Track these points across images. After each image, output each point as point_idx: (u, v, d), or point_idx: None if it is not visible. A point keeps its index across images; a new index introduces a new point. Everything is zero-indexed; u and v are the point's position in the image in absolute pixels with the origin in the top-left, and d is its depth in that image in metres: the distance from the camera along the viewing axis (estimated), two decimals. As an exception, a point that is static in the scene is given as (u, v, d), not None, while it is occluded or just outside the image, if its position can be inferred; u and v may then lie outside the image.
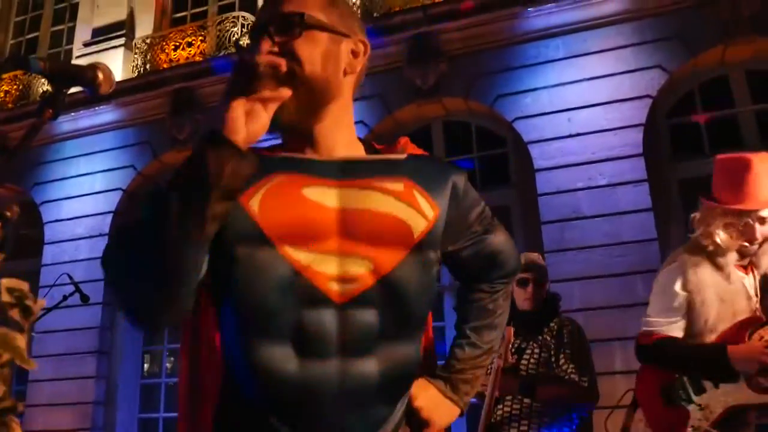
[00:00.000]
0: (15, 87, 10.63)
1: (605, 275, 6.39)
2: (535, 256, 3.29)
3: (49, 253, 9.07)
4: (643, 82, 6.86)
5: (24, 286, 0.65)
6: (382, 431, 1.10)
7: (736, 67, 6.92)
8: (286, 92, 1.03)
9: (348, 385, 1.04)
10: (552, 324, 3.07)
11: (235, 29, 9.10)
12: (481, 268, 1.34)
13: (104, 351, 8.50)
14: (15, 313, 0.64)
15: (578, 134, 6.91)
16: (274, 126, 1.06)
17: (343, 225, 1.07)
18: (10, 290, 0.64)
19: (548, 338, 3.03)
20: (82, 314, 8.01)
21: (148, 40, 9.76)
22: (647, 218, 6.47)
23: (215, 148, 0.94)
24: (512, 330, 3.02)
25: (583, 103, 6.99)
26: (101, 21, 10.37)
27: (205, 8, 10.01)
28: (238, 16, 9.18)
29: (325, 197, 1.07)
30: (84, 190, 9.26)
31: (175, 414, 8.36)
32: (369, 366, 1.06)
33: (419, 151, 1.34)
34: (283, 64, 1.03)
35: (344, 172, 1.11)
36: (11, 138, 9.81)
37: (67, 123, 9.55)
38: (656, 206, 6.53)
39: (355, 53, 1.19)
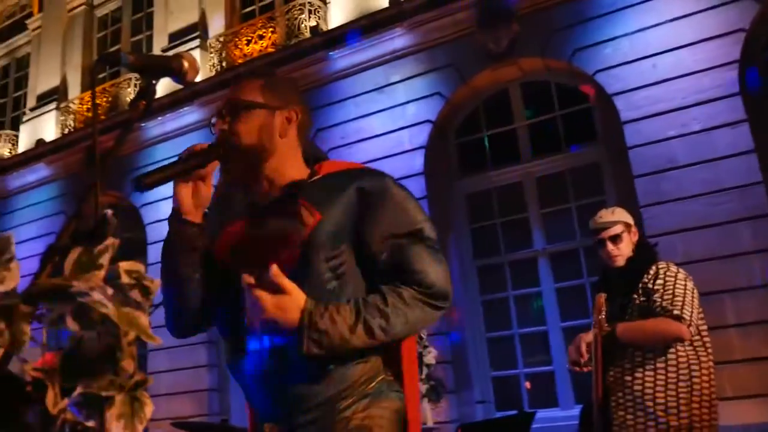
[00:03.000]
0: (105, 99, 11.17)
1: (706, 225, 6.10)
2: (618, 209, 3.18)
3: (153, 253, 9.52)
4: (732, 16, 6.44)
5: (140, 267, 0.68)
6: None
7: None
8: (212, 166, 1.44)
9: None
10: (651, 270, 2.97)
11: (303, 15, 9.18)
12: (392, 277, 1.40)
13: (213, 341, 8.87)
14: (135, 294, 0.67)
15: (665, 80, 6.58)
16: (229, 184, 1.53)
17: None
18: (129, 272, 0.67)
19: (649, 285, 2.93)
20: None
21: (221, 39, 10.00)
22: (750, 161, 6.10)
23: (174, 223, 1.46)
24: (603, 297, 2.97)
25: (667, 47, 6.64)
26: (175, 26, 10.71)
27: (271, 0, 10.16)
28: (305, 3, 9.25)
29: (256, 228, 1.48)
30: (178, 190, 9.64)
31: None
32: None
33: (340, 167, 1.56)
34: (197, 148, 1.42)
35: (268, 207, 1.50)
36: (106, 148, 10.33)
37: (155, 128, 9.97)
38: (759, 146, 6.15)
39: (289, 119, 1.53)
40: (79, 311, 0.64)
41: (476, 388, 7.27)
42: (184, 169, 1.39)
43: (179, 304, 1.49)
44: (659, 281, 2.91)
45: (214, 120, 1.52)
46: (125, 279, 0.67)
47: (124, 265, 0.68)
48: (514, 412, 6.07)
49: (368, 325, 1.31)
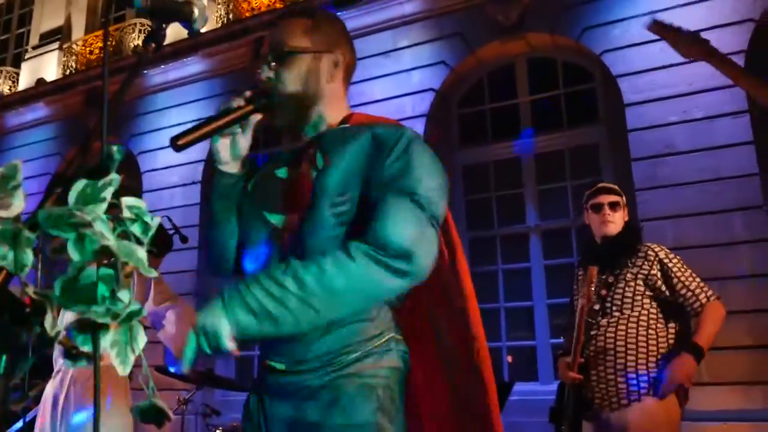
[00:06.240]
0: (109, 43, 11.03)
1: (700, 213, 6.14)
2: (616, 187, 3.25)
3: (147, 201, 9.37)
4: (745, 4, 6.40)
5: (142, 203, 0.70)
6: None
7: None
8: (255, 117, 1.41)
9: None
10: (650, 253, 3.01)
11: (314, -27, 9.05)
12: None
13: (201, 293, 8.94)
14: (135, 229, 0.70)
15: (672, 65, 6.55)
16: (279, 129, 1.48)
17: None
18: (130, 207, 0.70)
19: (643, 264, 2.98)
20: (181, 258, 8.43)
21: (229, -10, 9.87)
22: (748, 152, 6.12)
23: (213, 172, 1.48)
24: (596, 269, 3.00)
25: (677, 32, 6.59)
26: (184, -27, 10.54)
27: (283, -46, 9.99)
28: (316, -40, 9.10)
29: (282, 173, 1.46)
30: (176, 140, 9.61)
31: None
32: None
33: (369, 118, 1.52)
34: (242, 99, 1.39)
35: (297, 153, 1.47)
36: (108, 92, 10.26)
37: (158, 76, 9.88)
38: (758, 138, 6.16)
39: (336, 63, 1.48)
40: (80, 241, 0.67)
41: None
42: (219, 126, 1.33)
43: (216, 247, 1.55)
44: (674, 261, 2.97)
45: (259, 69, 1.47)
46: (126, 214, 0.69)
47: (125, 201, 0.70)
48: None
49: (298, 276, 1.21)
